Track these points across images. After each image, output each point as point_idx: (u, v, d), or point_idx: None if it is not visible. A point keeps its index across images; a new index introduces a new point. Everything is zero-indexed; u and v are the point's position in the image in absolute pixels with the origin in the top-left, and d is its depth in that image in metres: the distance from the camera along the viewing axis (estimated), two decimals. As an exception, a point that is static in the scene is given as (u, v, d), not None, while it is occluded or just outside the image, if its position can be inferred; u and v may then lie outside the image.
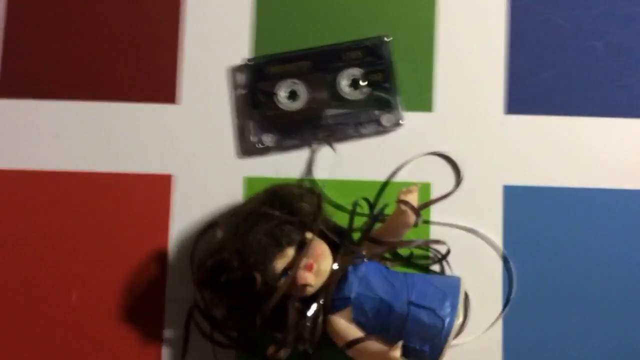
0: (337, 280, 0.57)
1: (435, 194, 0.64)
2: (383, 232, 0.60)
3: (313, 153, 0.65)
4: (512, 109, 0.65)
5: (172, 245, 0.64)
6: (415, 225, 0.59)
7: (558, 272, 0.63)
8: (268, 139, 0.64)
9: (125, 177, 0.65)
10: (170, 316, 0.63)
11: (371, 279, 0.57)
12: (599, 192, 0.64)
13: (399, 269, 0.62)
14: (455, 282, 0.58)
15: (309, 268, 0.56)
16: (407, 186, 0.60)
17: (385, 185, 0.64)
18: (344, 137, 0.64)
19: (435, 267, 0.63)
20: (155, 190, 0.64)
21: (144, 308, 0.63)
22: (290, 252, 0.56)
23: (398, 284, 0.57)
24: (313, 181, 0.64)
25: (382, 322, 0.56)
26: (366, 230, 0.60)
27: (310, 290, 0.56)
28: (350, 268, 0.57)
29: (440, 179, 0.64)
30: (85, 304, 0.63)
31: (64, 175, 0.65)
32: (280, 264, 0.56)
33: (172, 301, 0.63)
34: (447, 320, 0.55)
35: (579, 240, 0.64)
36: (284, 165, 0.64)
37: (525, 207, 0.64)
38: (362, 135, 0.64)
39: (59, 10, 0.66)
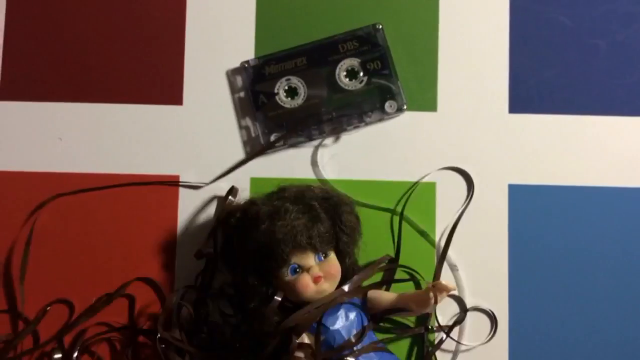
0: (330, 305, 0.57)
1: (439, 193, 0.64)
2: (396, 300, 0.59)
3: (314, 152, 0.65)
4: (516, 108, 0.65)
5: (180, 247, 0.64)
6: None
7: (564, 270, 0.64)
8: (275, 140, 0.64)
9: (133, 178, 0.65)
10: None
11: (355, 325, 0.57)
12: (603, 190, 0.64)
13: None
14: None
15: (316, 280, 0.57)
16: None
17: (398, 238, 0.63)
18: (350, 128, 0.64)
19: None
20: (162, 191, 0.64)
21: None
22: (310, 253, 0.57)
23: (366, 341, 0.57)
24: (317, 181, 0.64)
25: None
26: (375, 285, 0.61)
27: (302, 298, 0.57)
28: (346, 303, 0.58)
29: (445, 178, 0.65)
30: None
31: (70, 177, 0.65)
32: (296, 258, 0.56)
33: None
34: None
35: (583, 238, 0.64)
36: (290, 165, 0.65)
37: (530, 205, 0.64)
38: (367, 124, 0.65)
39: (62, 12, 0.66)
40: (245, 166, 0.65)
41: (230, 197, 0.63)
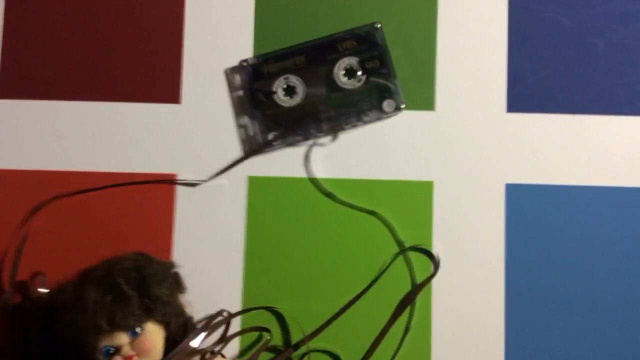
0: None
1: (436, 194, 0.64)
2: None
3: (312, 150, 0.65)
4: (514, 107, 0.65)
5: (177, 245, 0.64)
6: None
7: (561, 270, 0.64)
8: (273, 138, 0.64)
9: (130, 176, 0.65)
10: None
11: None
12: (600, 190, 0.64)
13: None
14: None
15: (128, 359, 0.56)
16: None
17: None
18: (348, 127, 0.64)
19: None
20: (159, 189, 0.65)
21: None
22: (119, 333, 0.56)
23: None
24: (315, 180, 0.65)
25: None
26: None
27: None
28: None
29: (442, 177, 0.65)
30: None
31: (68, 175, 0.65)
32: (105, 340, 0.55)
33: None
34: None
35: (581, 238, 0.64)
36: (288, 164, 0.65)
37: (527, 205, 0.64)
38: (365, 123, 0.65)
39: (61, 10, 0.67)
40: (243, 164, 0.65)
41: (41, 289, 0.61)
